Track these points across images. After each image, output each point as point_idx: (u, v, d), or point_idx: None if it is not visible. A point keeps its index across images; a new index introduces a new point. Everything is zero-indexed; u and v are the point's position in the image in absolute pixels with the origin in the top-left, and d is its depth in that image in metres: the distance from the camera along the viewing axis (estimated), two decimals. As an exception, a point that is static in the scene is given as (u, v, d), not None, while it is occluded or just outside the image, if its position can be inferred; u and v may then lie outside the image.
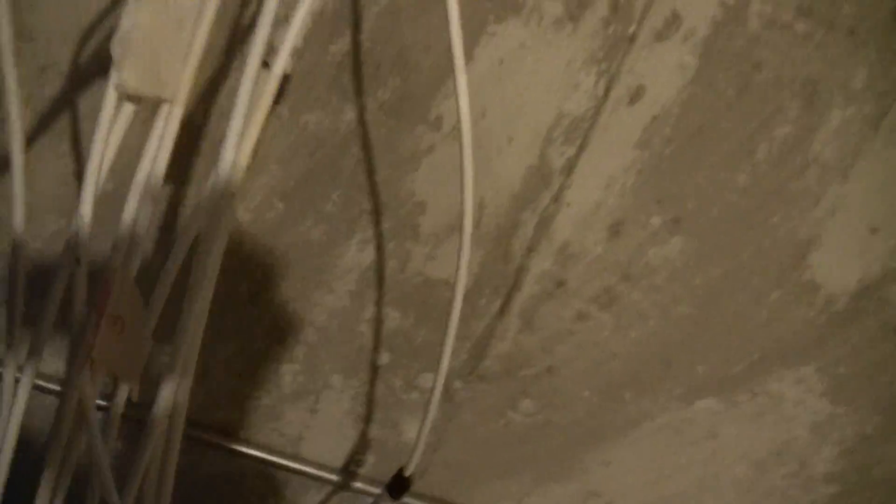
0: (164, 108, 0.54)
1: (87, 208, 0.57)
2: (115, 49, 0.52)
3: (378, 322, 0.96)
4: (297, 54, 0.68)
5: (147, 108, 0.58)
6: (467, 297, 0.95)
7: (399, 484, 0.93)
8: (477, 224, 0.91)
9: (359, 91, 0.85)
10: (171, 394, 0.62)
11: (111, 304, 0.57)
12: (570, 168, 0.89)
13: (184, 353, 0.61)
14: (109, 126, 0.55)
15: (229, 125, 0.53)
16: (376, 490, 1.03)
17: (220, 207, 0.56)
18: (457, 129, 0.87)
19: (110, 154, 0.57)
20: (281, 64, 0.54)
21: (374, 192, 0.89)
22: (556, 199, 0.91)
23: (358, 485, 1.02)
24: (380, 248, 0.92)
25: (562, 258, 0.93)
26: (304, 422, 1.01)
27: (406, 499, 1.04)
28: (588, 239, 0.93)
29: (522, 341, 0.97)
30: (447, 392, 1.00)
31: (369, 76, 0.85)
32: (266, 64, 0.54)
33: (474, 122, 0.87)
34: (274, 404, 1.01)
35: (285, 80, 0.55)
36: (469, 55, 0.85)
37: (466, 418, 1.01)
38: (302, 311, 0.95)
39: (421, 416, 1.00)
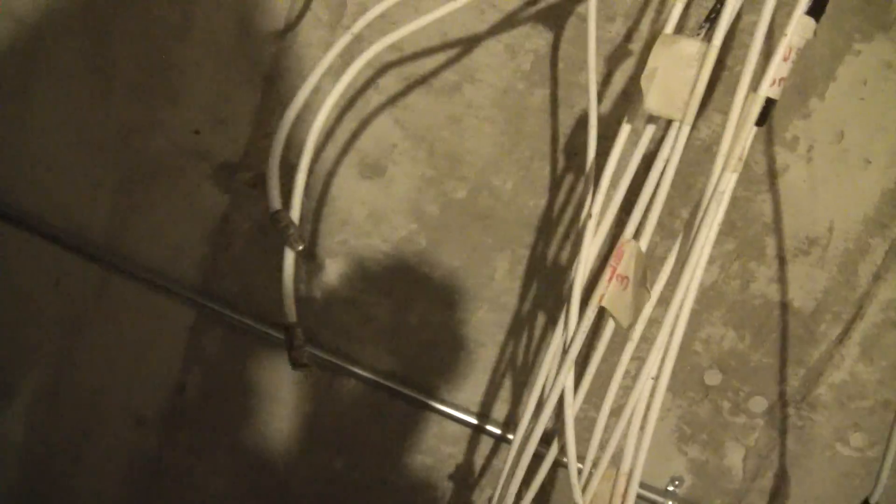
0: (675, 126, 0.69)
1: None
2: (644, 82, 0.68)
3: (713, 341, 0.95)
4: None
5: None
6: (806, 322, 0.93)
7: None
8: (824, 247, 0.89)
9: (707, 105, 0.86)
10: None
11: (622, 265, 0.73)
12: (930, 193, 0.86)
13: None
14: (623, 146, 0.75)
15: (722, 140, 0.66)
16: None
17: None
18: (813, 149, 0.85)
19: (631, 168, 0.75)
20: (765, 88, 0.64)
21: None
22: (912, 225, 0.87)
23: (676, 505, 1.01)
24: (723, 267, 0.91)
25: (913, 287, 0.89)
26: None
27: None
28: (944, 268, 0.89)
29: (859, 372, 0.94)
30: (774, 418, 0.97)
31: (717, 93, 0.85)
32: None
33: (830, 143, 0.85)
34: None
35: (770, 104, 0.65)
36: (830, 74, 0.84)
37: (791, 447, 0.99)
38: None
39: (745, 441, 0.98)
